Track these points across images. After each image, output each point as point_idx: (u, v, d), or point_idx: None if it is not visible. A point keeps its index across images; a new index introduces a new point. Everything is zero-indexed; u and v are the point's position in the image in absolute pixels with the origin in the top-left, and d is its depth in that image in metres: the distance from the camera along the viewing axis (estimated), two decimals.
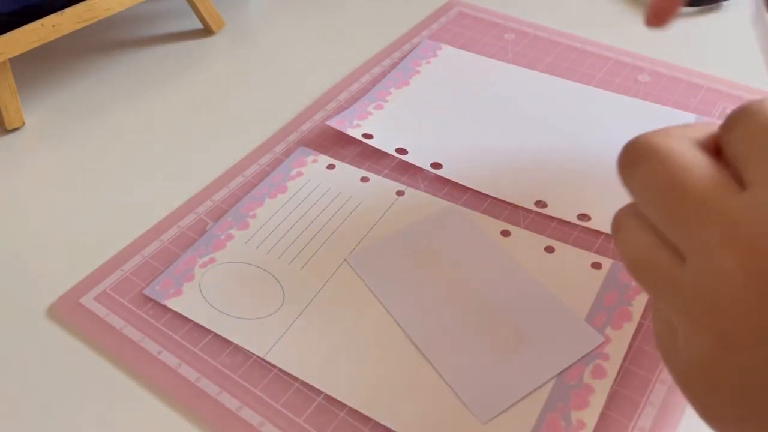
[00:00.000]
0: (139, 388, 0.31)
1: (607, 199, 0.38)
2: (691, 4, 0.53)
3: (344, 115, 0.44)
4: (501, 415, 0.29)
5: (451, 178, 0.39)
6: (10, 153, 0.45)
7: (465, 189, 0.39)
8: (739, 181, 0.19)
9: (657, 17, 0.34)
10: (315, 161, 0.41)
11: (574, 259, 0.35)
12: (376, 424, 0.29)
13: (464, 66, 0.48)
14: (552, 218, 0.37)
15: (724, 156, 0.20)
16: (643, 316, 0.32)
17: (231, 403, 0.30)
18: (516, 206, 0.38)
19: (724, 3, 0.53)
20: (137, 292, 0.35)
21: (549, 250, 0.35)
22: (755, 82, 0.46)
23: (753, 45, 0.51)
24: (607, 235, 0.36)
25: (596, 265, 0.34)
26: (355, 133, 0.42)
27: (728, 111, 0.43)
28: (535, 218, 0.37)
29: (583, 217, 0.37)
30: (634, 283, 0.33)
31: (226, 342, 0.32)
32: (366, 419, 0.29)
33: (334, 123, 0.43)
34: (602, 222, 0.37)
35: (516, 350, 0.31)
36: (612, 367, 0.30)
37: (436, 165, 0.40)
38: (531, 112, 0.44)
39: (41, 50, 0.49)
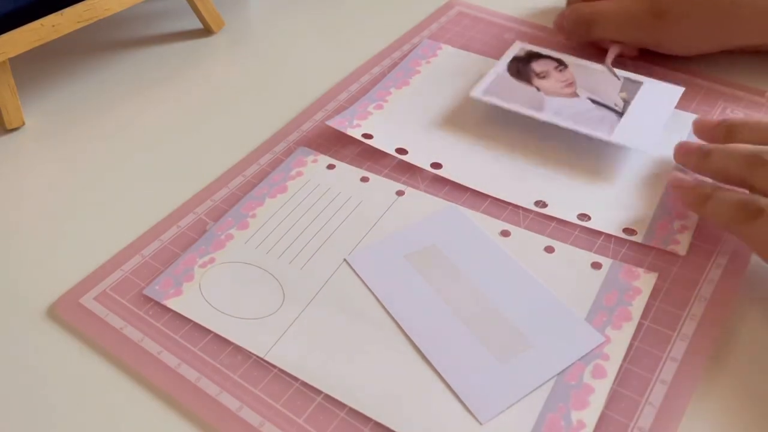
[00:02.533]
0: (139, 388, 0.31)
1: (607, 199, 0.38)
2: None
3: (344, 115, 0.44)
4: (501, 415, 0.29)
5: (451, 178, 0.39)
6: (10, 153, 0.45)
7: (465, 189, 0.39)
8: None
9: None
10: (315, 161, 0.41)
11: (574, 259, 0.35)
12: (376, 424, 0.29)
13: (464, 66, 0.48)
14: (552, 218, 0.37)
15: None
16: (643, 317, 0.32)
17: (231, 403, 0.30)
18: (516, 206, 0.38)
19: None
20: (137, 292, 0.35)
21: (549, 250, 0.35)
22: (755, 82, 0.46)
23: None
24: (606, 235, 0.36)
25: (596, 265, 0.34)
26: (355, 133, 0.42)
27: (728, 111, 0.44)
28: (535, 218, 0.37)
29: (583, 217, 0.37)
30: (634, 283, 0.33)
31: (226, 342, 0.32)
32: (366, 419, 0.29)
33: (334, 123, 0.43)
34: (602, 222, 0.37)
35: (516, 350, 0.31)
36: (612, 367, 0.30)
37: (436, 165, 0.40)
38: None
39: (41, 50, 0.49)
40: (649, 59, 0.47)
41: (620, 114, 0.41)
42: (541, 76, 0.43)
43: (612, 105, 0.41)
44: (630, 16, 0.44)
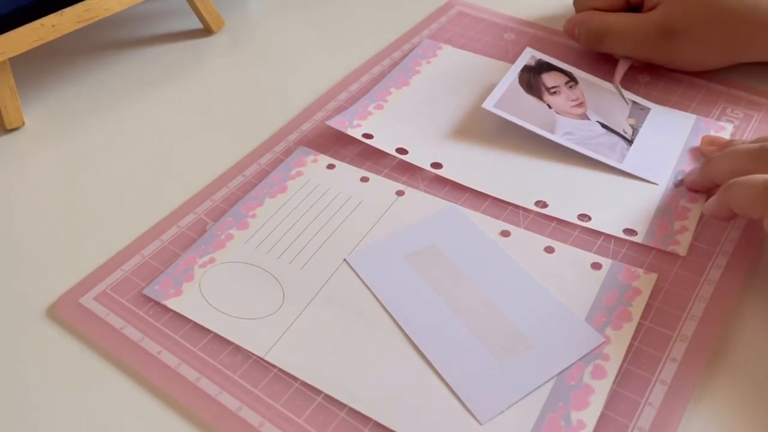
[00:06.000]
0: (139, 388, 0.31)
1: (607, 200, 0.38)
2: None
3: (344, 115, 0.44)
4: (501, 415, 0.29)
5: (451, 178, 0.39)
6: (10, 153, 0.45)
7: (465, 189, 0.39)
8: None
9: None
10: (315, 161, 0.41)
11: (573, 259, 0.35)
12: (376, 424, 0.29)
13: (464, 66, 0.48)
14: (552, 218, 0.37)
15: None
16: (643, 317, 0.32)
17: (231, 403, 0.30)
18: (516, 206, 0.38)
19: None
20: (137, 292, 0.35)
21: (549, 250, 0.35)
22: (755, 82, 0.46)
23: None
24: (606, 235, 0.36)
25: (596, 266, 0.34)
26: (355, 133, 0.42)
27: (728, 111, 0.43)
28: (535, 218, 0.37)
29: (583, 217, 0.37)
30: (633, 284, 0.33)
31: (226, 342, 0.32)
32: (366, 419, 0.29)
33: (334, 123, 0.43)
34: (602, 222, 0.37)
35: (516, 350, 0.31)
36: (612, 368, 0.30)
37: (436, 165, 0.40)
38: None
39: (41, 50, 0.49)
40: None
41: (630, 141, 0.41)
42: (552, 91, 0.43)
43: (621, 132, 0.41)
44: (641, 35, 0.44)
